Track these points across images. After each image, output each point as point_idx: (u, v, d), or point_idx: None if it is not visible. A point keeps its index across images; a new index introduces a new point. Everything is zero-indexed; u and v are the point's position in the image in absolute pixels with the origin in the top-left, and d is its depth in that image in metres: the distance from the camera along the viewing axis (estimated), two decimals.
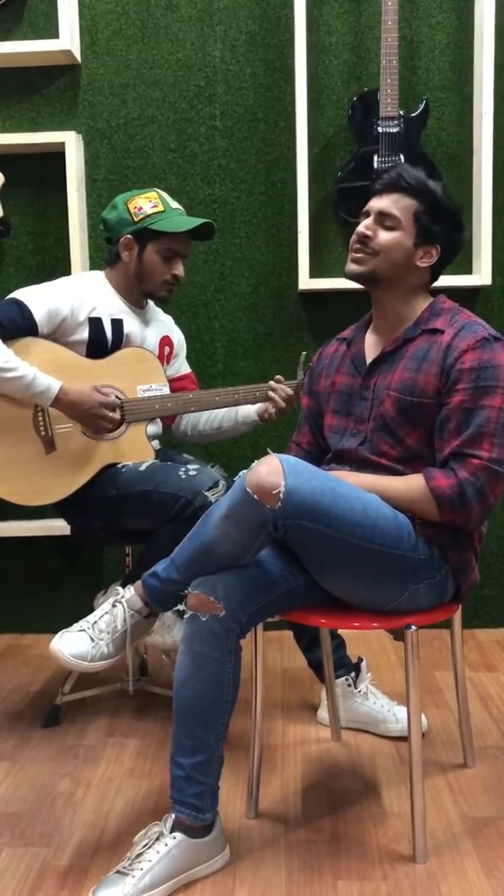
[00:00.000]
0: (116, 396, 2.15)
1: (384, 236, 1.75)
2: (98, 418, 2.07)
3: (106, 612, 1.69)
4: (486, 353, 1.66)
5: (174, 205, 2.20)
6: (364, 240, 1.76)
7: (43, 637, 2.93)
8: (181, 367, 2.43)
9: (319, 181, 2.80)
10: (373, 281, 1.78)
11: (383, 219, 1.75)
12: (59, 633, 1.67)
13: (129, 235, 2.17)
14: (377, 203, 1.77)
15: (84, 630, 1.66)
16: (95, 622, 1.68)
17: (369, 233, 1.76)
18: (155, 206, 2.16)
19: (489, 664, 2.62)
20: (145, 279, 2.20)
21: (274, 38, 2.78)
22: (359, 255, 1.77)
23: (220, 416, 2.32)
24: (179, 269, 2.20)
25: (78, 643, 1.64)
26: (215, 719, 1.59)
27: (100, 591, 2.23)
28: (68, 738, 2.19)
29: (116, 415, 2.10)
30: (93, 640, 1.65)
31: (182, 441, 2.45)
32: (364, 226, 1.77)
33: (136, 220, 2.16)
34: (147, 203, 2.17)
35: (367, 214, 1.79)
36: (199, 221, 2.16)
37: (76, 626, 1.68)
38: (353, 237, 1.78)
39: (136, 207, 2.16)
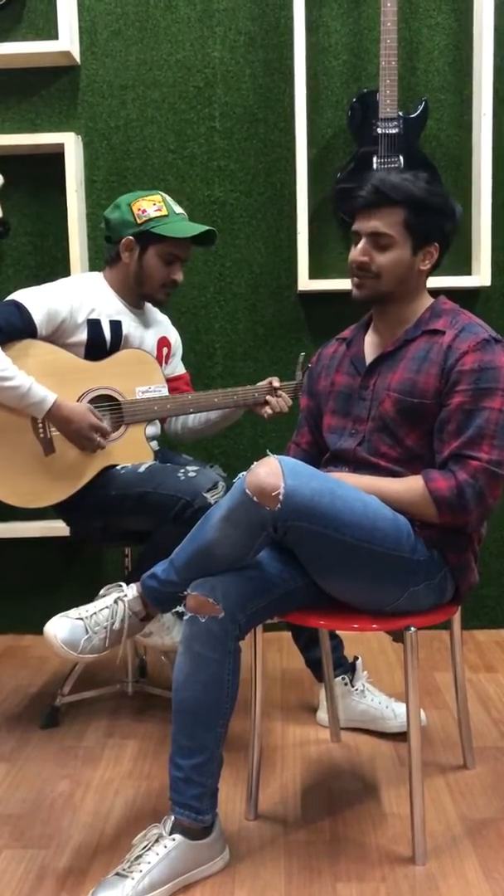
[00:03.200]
0: (115, 398, 2.15)
1: (382, 259, 1.73)
2: (86, 440, 2.07)
3: (107, 607, 1.69)
4: (487, 355, 1.66)
5: (177, 209, 2.19)
6: (363, 266, 1.75)
7: (42, 638, 2.91)
8: (176, 367, 2.42)
9: (319, 182, 2.80)
10: (381, 300, 1.78)
11: (376, 239, 1.73)
12: (57, 617, 1.67)
13: (130, 237, 2.17)
14: (365, 224, 1.75)
15: (81, 619, 1.67)
16: (94, 614, 1.68)
17: (366, 259, 1.74)
18: (158, 210, 2.16)
19: (488, 665, 2.62)
20: (144, 282, 2.20)
21: (273, 39, 2.78)
22: (362, 280, 1.76)
23: None
24: (178, 274, 2.20)
25: (73, 631, 1.65)
26: (214, 720, 1.59)
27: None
28: (67, 740, 2.18)
29: (105, 442, 2.10)
30: (87, 631, 1.65)
31: (175, 440, 2.45)
32: (360, 252, 1.75)
33: (138, 222, 2.15)
34: (151, 206, 2.16)
35: (357, 235, 1.77)
36: (202, 228, 2.16)
37: (74, 613, 1.68)
38: (352, 264, 1.77)
39: (139, 209, 2.16)
